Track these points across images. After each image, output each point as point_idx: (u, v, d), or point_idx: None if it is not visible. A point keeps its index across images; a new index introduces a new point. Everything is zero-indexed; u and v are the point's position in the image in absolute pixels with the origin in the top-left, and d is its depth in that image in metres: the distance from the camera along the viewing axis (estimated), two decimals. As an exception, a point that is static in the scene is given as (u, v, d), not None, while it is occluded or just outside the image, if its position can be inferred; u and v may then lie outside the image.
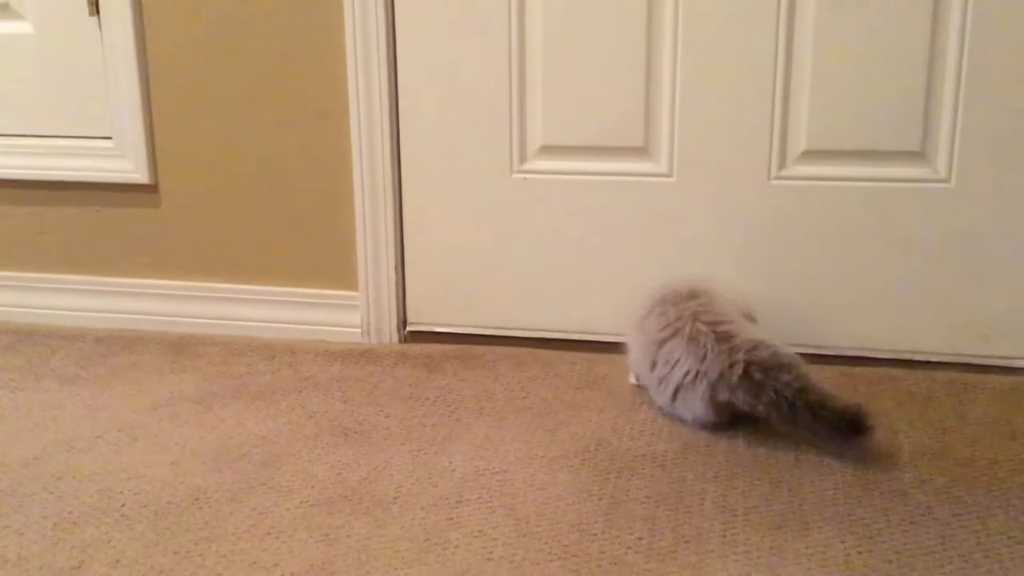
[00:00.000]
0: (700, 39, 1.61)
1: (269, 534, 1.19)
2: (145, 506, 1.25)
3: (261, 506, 1.25)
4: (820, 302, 1.68)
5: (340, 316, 1.84)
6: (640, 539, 1.15)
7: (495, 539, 1.16)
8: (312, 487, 1.30)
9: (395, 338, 1.84)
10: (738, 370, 1.35)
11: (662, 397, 1.47)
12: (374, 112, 1.73)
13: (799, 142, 1.63)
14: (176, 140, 1.84)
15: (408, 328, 1.85)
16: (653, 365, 1.46)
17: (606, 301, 1.75)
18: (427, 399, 1.58)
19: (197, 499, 1.27)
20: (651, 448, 1.39)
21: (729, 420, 1.42)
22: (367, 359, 1.76)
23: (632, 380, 1.60)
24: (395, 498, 1.27)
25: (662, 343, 1.44)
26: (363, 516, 1.22)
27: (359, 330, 1.84)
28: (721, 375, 1.36)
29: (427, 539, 1.17)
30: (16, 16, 1.85)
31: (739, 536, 1.16)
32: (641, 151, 1.69)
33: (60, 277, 1.94)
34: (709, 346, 1.38)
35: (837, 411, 1.30)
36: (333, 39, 1.72)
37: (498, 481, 1.31)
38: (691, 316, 1.43)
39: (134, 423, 1.51)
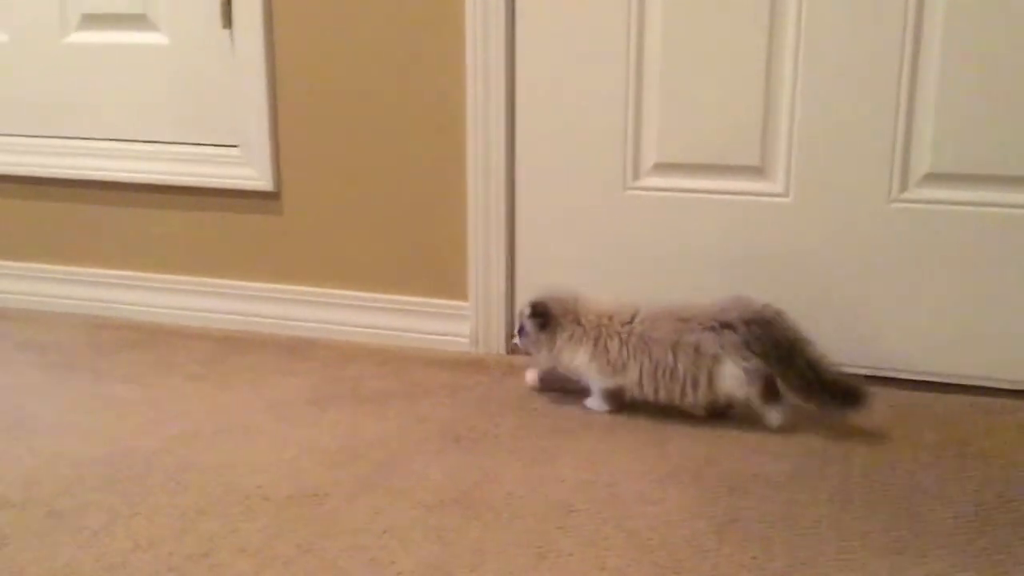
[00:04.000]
0: (822, 56, 1.60)
1: (386, 532, 1.22)
2: (267, 499, 1.30)
3: (377, 505, 1.29)
4: (943, 330, 1.64)
5: (449, 325, 1.88)
6: (754, 559, 1.15)
7: (607, 550, 1.17)
8: (426, 489, 1.33)
9: (503, 348, 1.87)
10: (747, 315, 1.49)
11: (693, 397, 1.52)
12: (491, 125, 1.77)
13: (922, 164, 1.60)
14: (299, 150, 1.91)
15: (515, 340, 1.87)
16: (674, 368, 1.52)
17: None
18: (535, 410, 1.60)
19: (316, 495, 1.31)
20: (762, 469, 1.38)
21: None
22: (475, 368, 1.78)
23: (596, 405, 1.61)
24: (507, 504, 1.29)
25: (677, 341, 1.51)
26: (476, 520, 1.25)
27: (467, 339, 1.87)
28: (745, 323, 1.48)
29: (540, 546, 1.18)
30: (152, 28, 1.95)
31: (856, 560, 1.14)
32: (757, 170, 1.68)
33: (185, 279, 2.03)
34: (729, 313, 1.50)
35: (839, 376, 1.46)
36: (454, 55, 1.77)
37: (608, 493, 1.31)
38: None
39: (254, 421, 1.56)
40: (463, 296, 1.88)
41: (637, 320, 1.55)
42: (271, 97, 1.89)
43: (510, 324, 1.86)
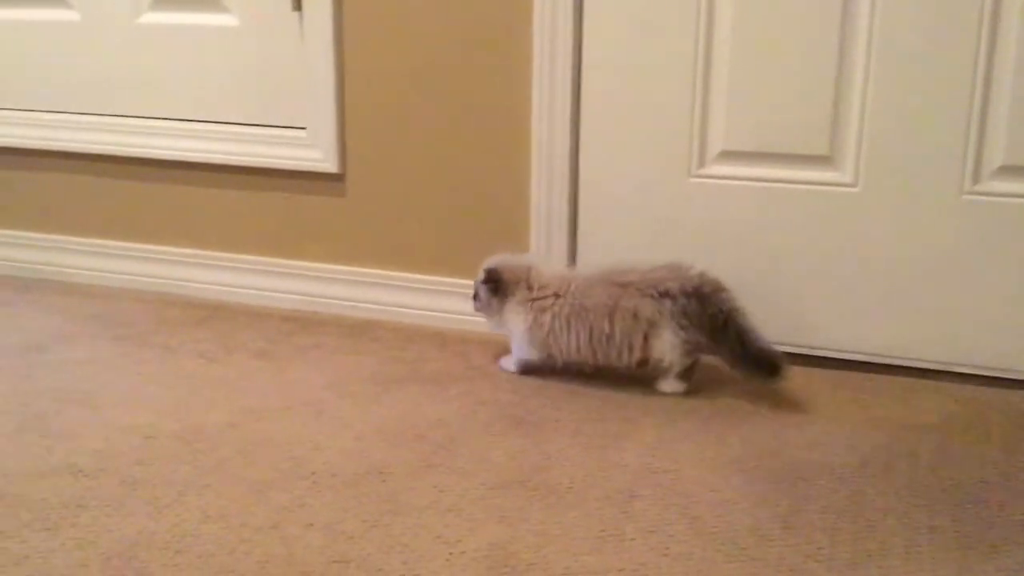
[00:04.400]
0: (895, 44, 1.58)
1: (450, 511, 1.23)
2: (333, 475, 1.32)
3: (441, 484, 1.30)
4: (1014, 325, 1.61)
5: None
6: (820, 549, 1.14)
7: (671, 535, 1.17)
8: (488, 470, 1.34)
9: (562, 335, 1.87)
10: (689, 286, 1.56)
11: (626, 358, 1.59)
12: (556, 110, 1.77)
13: (996, 156, 1.57)
14: (364, 132, 1.93)
15: (575, 325, 1.88)
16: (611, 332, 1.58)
17: (777, 311, 1.73)
18: (595, 395, 1.60)
19: (381, 473, 1.33)
20: (826, 460, 1.37)
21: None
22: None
23: (510, 366, 1.71)
24: (569, 488, 1.29)
25: (615, 306, 1.57)
26: (539, 502, 1.25)
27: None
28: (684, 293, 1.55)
29: (603, 529, 1.19)
30: (223, 9, 1.97)
31: (924, 554, 1.13)
32: (825, 160, 1.66)
33: (249, 258, 2.06)
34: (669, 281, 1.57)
35: (763, 348, 1.53)
36: (520, 37, 1.77)
37: (670, 479, 1.31)
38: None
39: (318, 398, 1.58)
40: (524, 281, 1.88)
41: (572, 289, 1.62)
42: (338, 80, 1.91)
43: (570, 310, 1.86)
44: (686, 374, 1.60)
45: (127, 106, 2.07)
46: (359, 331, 1.90)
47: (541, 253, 1.83)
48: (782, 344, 1.73)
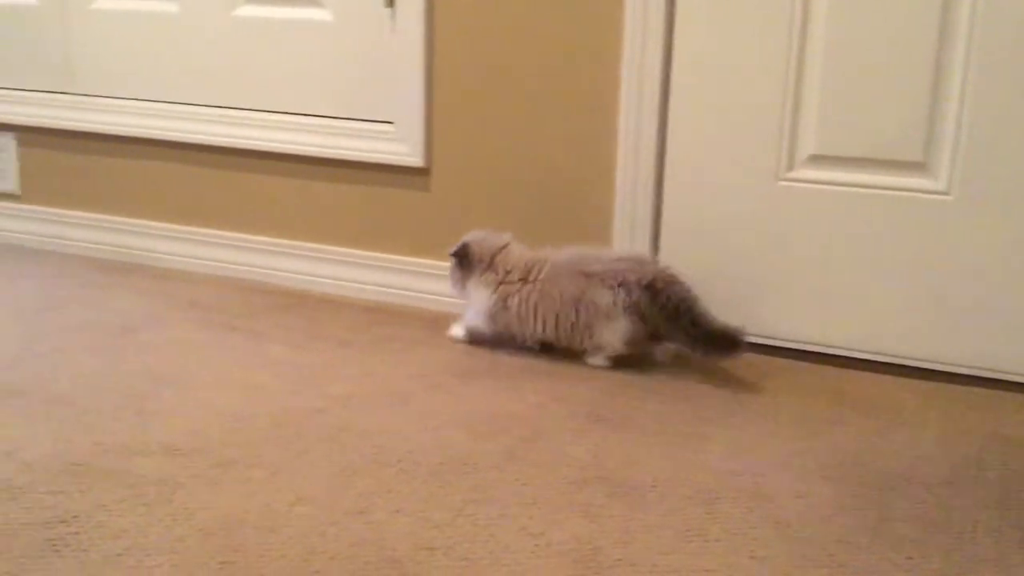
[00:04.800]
0: (994, 52, 1.55)
1: (534, 504, 1.24)
2: (418, 464, 1.34)
3: (524, 477, 1.31)
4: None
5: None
6: (909, 559, 1.13)
7: (756, 539, 1.17)
8: (570, 466, 1.35)
9: (641, 334, 1.87)
10: (644, 280, 1.65)
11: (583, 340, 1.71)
12: (644, 109, 1.77)
13: (1099, 167, 1.53)
14: (451, 128, 1.95)
15: (655, 326, 1.88)
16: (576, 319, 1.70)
17: (867, 318, 1.71)
18: (676, 396, 1.60)
19: (464, 464, 1.35)
20: (915, 470, 1.35)
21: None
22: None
23: (459, 333, 1.84)
24: (652, 486, 1.30)
25: (581, 297, 1.68)
26: (622, 499, 1.26)
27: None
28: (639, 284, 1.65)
29: (687, 529, 1.19)
30: (317, 4, 2.01)
31: (1015, 568, 1.11)
32: (919, 166, 1.64)
33: (334, 249, 2.10)
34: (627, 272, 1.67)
35: (717, 326, 1.63)
36: (611, 38, 1.77)
37: (754, 483, 1.31)
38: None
39: (401, 388, 1.61)
40: (605, 279, 1.89)
41: (541, 276, 1.72)
42: (427, 76, 1.93)
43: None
44: (619, 358, 1.71)
45: (222, 97, 2.13)
46: (440, 324, 1.92)
47: (624, 249, 1.84)
48: (861, 350, 1.72)
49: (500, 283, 1.75)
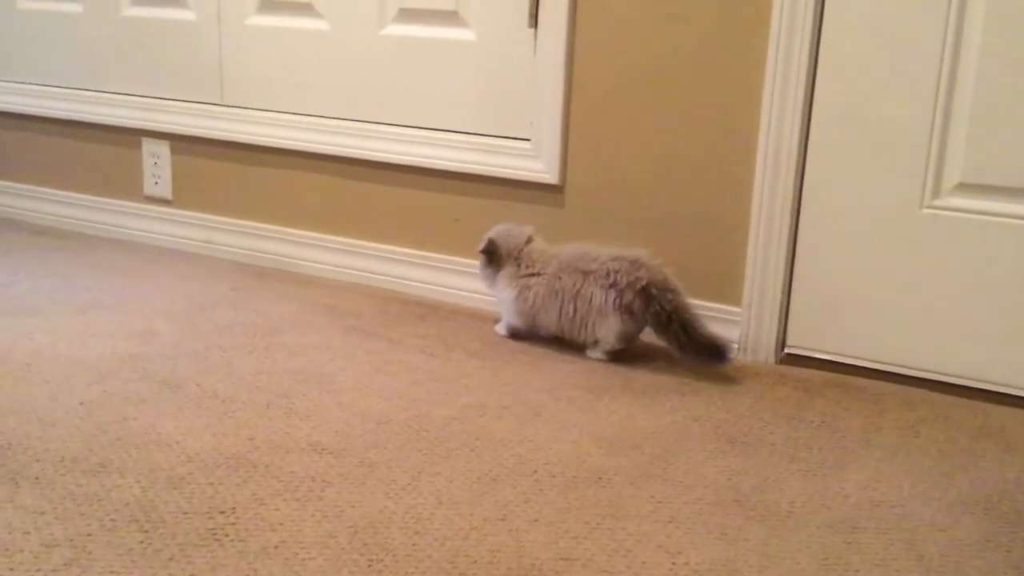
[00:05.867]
0: None
1: (670, 523, 1.26)
2: (554, 476, 1.37)
3: (659, 495, 1.33)
4: None
5: (719, 329, 1.88)
6: (1061, 601, 1.10)
7: (897, 571, 1.16)
8: (704, 486, 1.36)
9: (771, 358, 1.86)
10: (639, 284, 1.74)
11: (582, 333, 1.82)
12: (784, 129, 1.76)
13: None
14: (586, 147, 1.98)
15: (786, 350, 1.87)
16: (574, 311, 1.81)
17: (1010, 352, 1.66)
18: (811, 422, 1.59)
19: (599, 479, 1.37)
20: (1064, 511, 1.31)
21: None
22: (744, 375, 1.79)
23: (501, 329, 1.96)
24: (789, 512, 1.29)
25: (577, 292, 1.79)
26: (758, 523, 1.26)
27: (735, 345, 1.88)
28: (629, 285, 1.75)
29: (826, 557, 1.18)
30: (462, 24, 2.07)
31: None
32: (1075, 197, 1.59)
33: (467, 261, 2.15)
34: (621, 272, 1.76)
35: (706, 335, 1.72)
36: (753, 56, 1.78)
37: (895, 515, 1.29)
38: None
39: (534, 401, 1.64)
40: (736, 302, 1.88)
41: (551, 271, 1.83)
42: (566, 95, 1.97)
43: (782, 334, 1.86)
44: (616, 353, 1.81)
45: (366, 111, 2.21)
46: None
47: (758, 273, 1.83)
48: (1007, 384, 1.67)
49: (520, 276, 1.86)
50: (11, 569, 1.11)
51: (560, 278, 1.82)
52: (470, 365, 1.80)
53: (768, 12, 1.75)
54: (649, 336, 1.81)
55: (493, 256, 1.90)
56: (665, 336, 1.76)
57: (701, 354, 1.74)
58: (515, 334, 1.94)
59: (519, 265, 1.88)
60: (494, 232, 1.92)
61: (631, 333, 1.80)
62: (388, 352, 1.84)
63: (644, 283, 1.74)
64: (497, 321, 1.99)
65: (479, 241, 1.94)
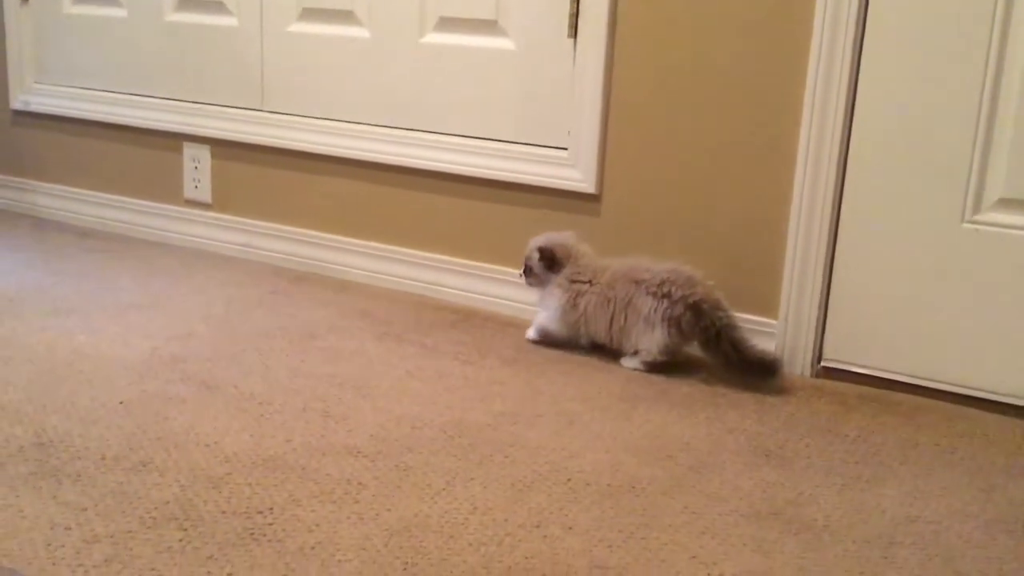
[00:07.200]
0: None
1: (704, 533, 1.25)
2: (588, 484, 1.37)
3: (693, 506, 1.32)
4: None
5: (754, 341, 1.88)
6: (1103, 622, 1.09)
7: (935, 587, 1.15)
8: (739, 498, 1.35)
9: (807, 371, 1.85)
10: (691, 299, 1.76)
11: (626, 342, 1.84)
12: (824, 146, 1.76)
13: None
14: (623, 156, 1.99)
15: (822, 363, 1.86)
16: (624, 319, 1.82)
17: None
18: (846, 436, 1.58)
19: (633, 488, 1.37)
20: (1106, 531, 1.29)
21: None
22: (779, 387, 1.78)
23: (531, 335, 1.97)
24: (824, 526, 1.29)
25: (629, 302, 1.81)
26: (794, 536, 1.26)
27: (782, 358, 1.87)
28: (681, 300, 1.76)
29: (862, 572, 1.18)
30: (502, 33, 2.09)
31: None
32: (1119, 214, 1.57)
33: (502, 269, 2.16)
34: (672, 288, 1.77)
35: (757, 351, 1.74)
36: (792, 72, 1.77)
37: (932, 531, 1.28)
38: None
39: (568, 409, 1.65)
40: (772, 314, 1.88)
41: (603, 280, 1.84)
42: (604, 105, 1.98)
43: (818, 347, 1.85)
44: (653, 365, 1.81)
45: (404, 119, 2.23)
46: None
47: (795, 285, 1.83)
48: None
49: (572, 282, 1.88)
50: (53, 564, 1.13)
51: (614, 287, 1.83)
52: (504, 372, 1.81)
53: (809, 26, 1.74)
54: (688, 349, 1.81)
55: (552, 262, 1.90)
56: (713, 352, 1.77)
57: (752, 370, 1.75)
58: (545, 339, 1.95)
59: (571, 273, 1.89)
60: (543, 240, 1.93)
61: (673, 347, 1.80)
62: (422, 358, 1.85)
63: (696, 299, 1.75)
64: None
65: (521, 249, 1.95)
